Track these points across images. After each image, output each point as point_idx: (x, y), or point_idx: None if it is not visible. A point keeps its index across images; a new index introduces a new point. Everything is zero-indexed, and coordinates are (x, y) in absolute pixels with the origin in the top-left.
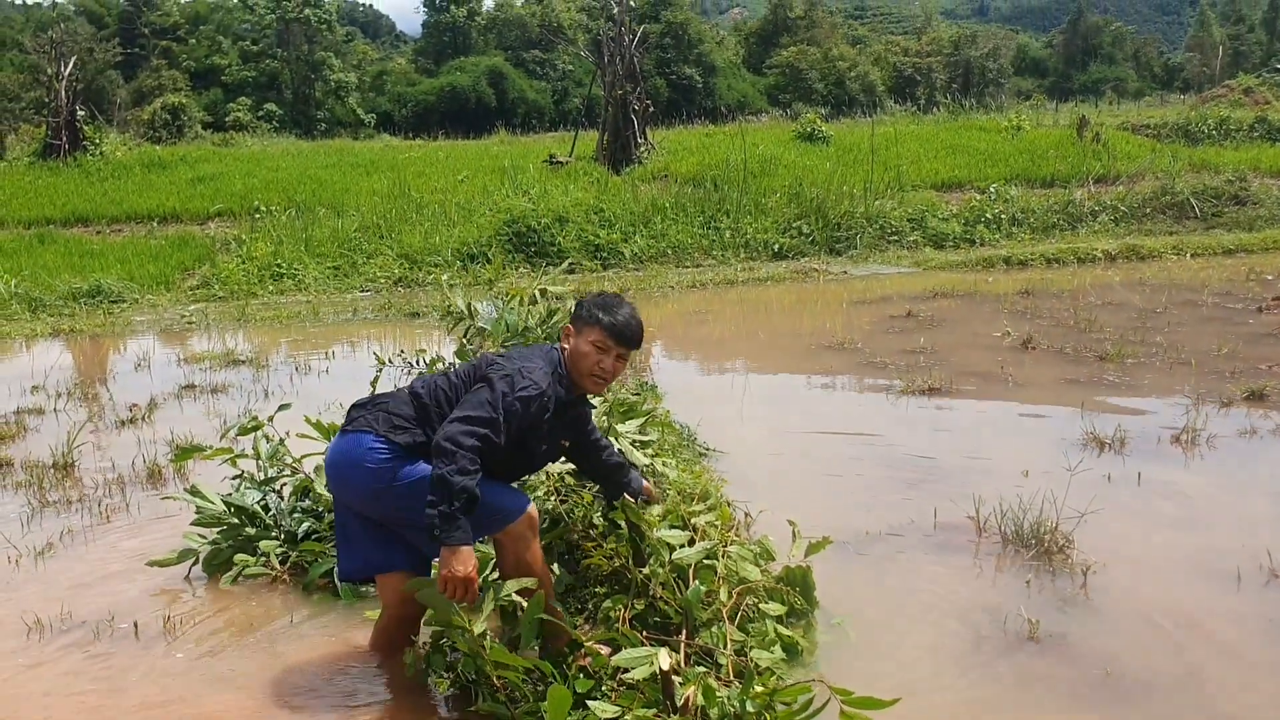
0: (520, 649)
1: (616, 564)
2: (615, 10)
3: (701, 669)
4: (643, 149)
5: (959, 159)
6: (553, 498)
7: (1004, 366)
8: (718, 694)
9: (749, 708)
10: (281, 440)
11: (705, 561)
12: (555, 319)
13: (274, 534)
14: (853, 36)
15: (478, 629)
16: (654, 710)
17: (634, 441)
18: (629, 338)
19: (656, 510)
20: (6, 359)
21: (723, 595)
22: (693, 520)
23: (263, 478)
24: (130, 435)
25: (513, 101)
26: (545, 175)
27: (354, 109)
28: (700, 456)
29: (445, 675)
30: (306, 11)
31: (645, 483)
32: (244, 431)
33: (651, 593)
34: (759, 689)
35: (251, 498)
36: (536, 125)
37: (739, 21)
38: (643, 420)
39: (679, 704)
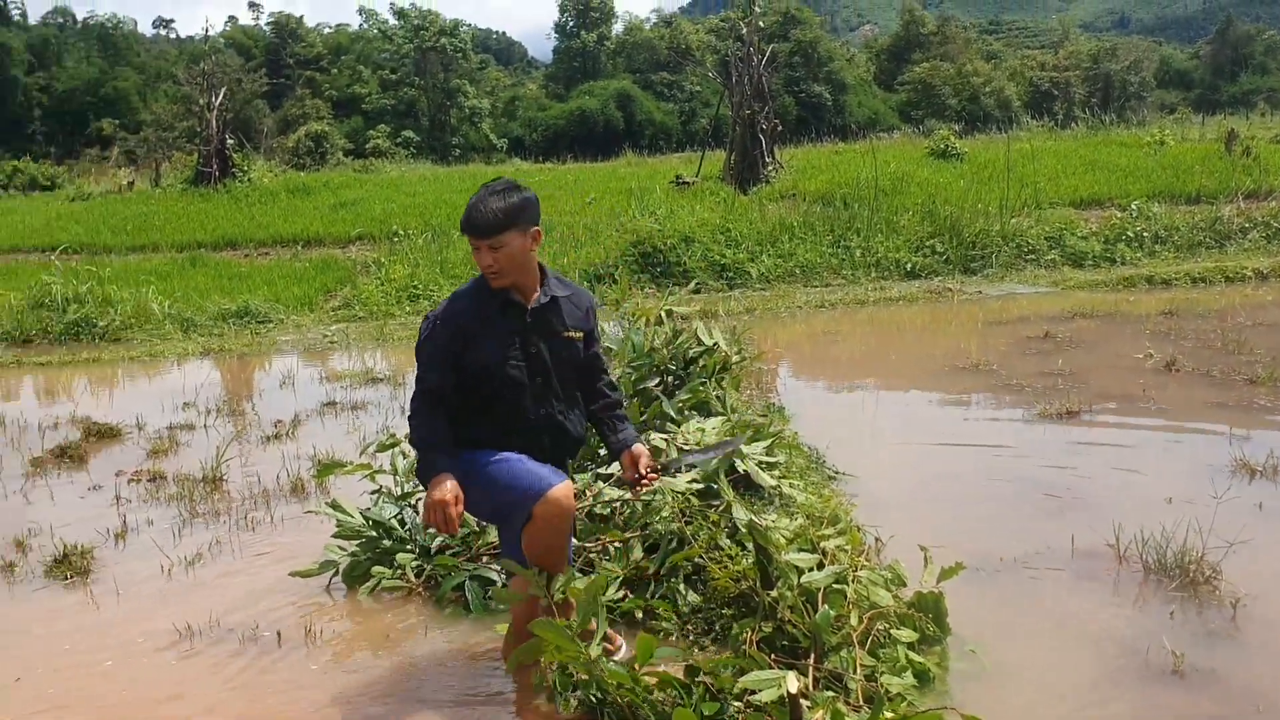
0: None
1: (744, 586)
2: (744, 31)
3: (830, 694)
4: (770, 168)
5: (1099, 175)
6: (677, 519)
7: (1146, 390)
8: (846, 719)
9: None
10: None
11: (835, 586)
12: (680, 340)
13: (410, 548)
14: (987, 51)
15: (593, 652)
16: None
17: (760, 463)
18: (468, 228)
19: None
20: (160, 377)
21: (853, 620)
22: (822, 544)
23: (399, 493)
24: (275, 450)
25: (640, 123)
26: (672, 196)
27: (487, 134)
28: (829, 480)
29: (571, 696)
30: (443, 41)
31: (640, 446)
32: (382, 448)
33: (780, 615)
34: (889, 715)
35: (389, 512)
36: (664, 146)
37: (870, 39)
38: (769, 442)
39: None
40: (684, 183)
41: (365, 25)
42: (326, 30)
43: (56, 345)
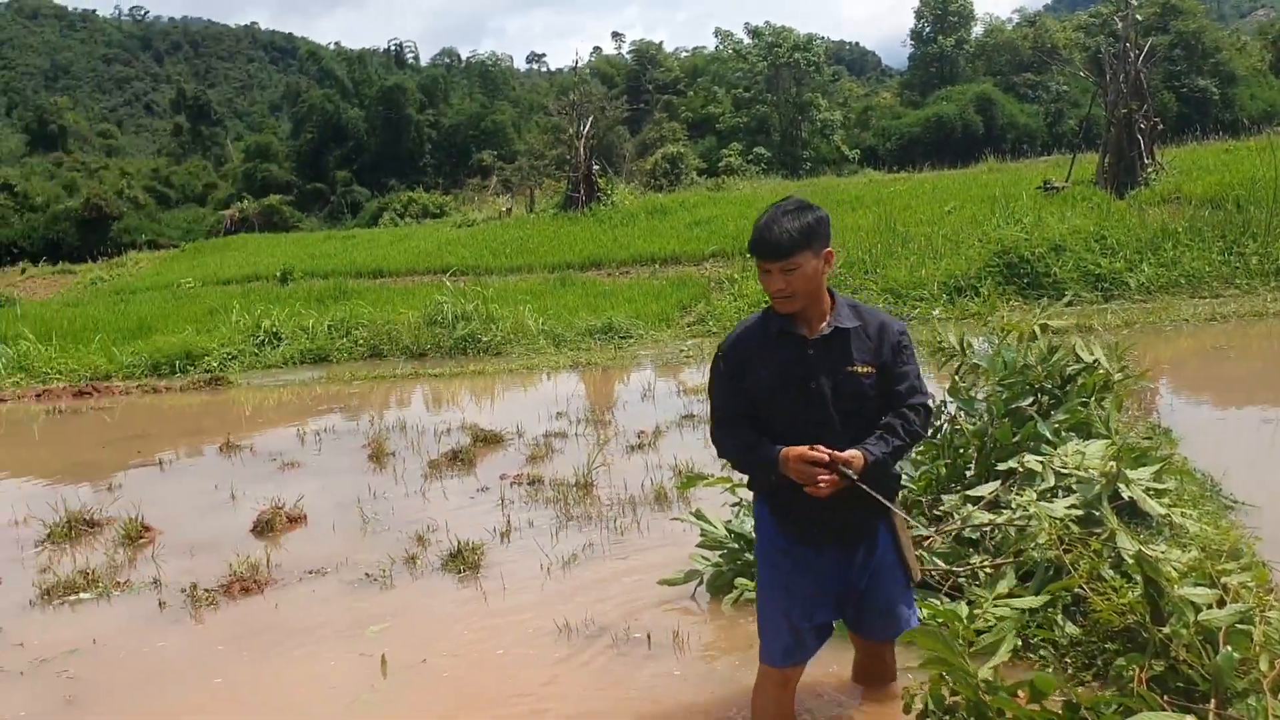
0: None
1: (1130, 620)
2: (1119, 26)
3: None
4: (1150, 170)
5: None
6: (1055, 547)
7: None
8: None
9: None
10: None
11: (1239, 626)
12: (1057, 356)
13: None
14: None
15: (982, 674)
16: None
17: (1148, 490)
18: (759, 249)
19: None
20: (535, 387)
21: (1263, 665)
22: (1222, 579)
23: None
24: (639, 459)
25: (1001, 128)
26: (1039, 202)
27: (838, 146)
28: (1226, 509)
29: (944, 716)
30: (796, 55)
31: (854, 450)
32: None
33: (1173, 654)
34: None
35: (750, 525)
36: (1027, 150)
37: (1264, 24)
38: (1157, 467)
39: None
40: (1053, 188)
41: (720, 46)
42: (683, 54)
43: (447, 358)
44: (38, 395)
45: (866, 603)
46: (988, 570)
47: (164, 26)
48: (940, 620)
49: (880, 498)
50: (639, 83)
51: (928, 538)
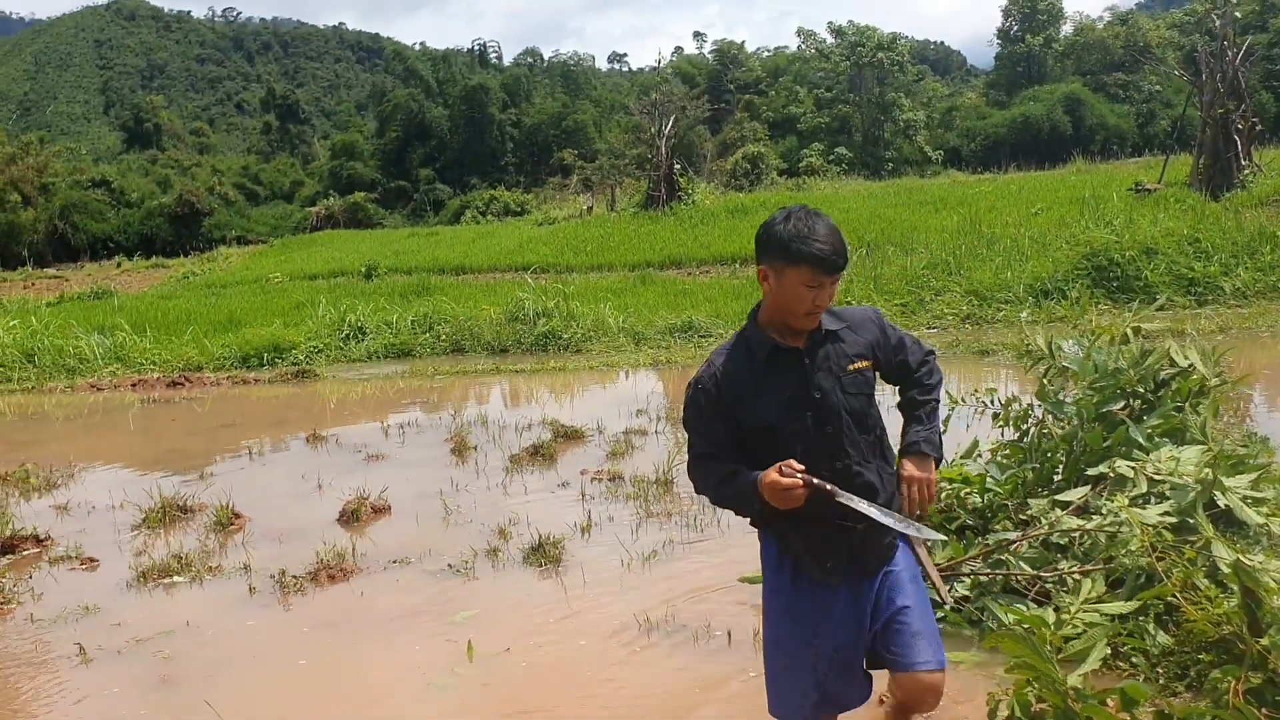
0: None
1: (1225, 631)
2: (1216, 24)
3: None
4: (1247, 171)
5: None
6: (1148, 554)
7: None
8: None
9: None
10: None
11: None
12: (1150, 360)
13: None
14: None
15: (1071, 680)
16: None
17: (1245, 498)
18: (827, 264)
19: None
20: (615, 385)
21: None
22: None
23: None
24: None
25: (1090, 128)
26: (1130, 204)
27: (921, 146)
28: None
29: None
30: (879, 55)
31: (911, 465)
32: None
33: (1271, 667)
34: None
35: None
36: (1118, 151)
37: None
38: (1255, 475)
39: None
40: (1144, 189)
41: (802, 46)
42: (765, 54)
43: (527, 354)
44: (133, 385)
45: (897, 624)
46: (1076, 576)
47: (255, 27)
48: (1027, 625)
49: (879, 517)
50: (720, 82)
51: (1014, 542)
